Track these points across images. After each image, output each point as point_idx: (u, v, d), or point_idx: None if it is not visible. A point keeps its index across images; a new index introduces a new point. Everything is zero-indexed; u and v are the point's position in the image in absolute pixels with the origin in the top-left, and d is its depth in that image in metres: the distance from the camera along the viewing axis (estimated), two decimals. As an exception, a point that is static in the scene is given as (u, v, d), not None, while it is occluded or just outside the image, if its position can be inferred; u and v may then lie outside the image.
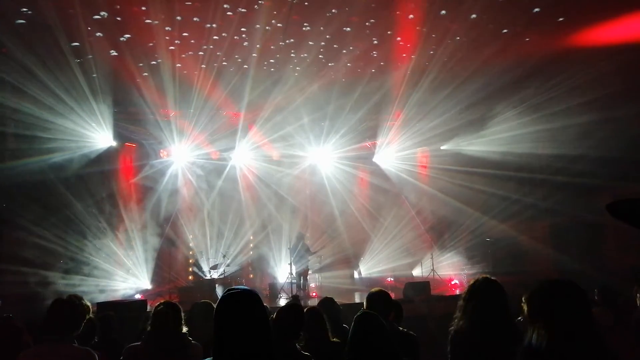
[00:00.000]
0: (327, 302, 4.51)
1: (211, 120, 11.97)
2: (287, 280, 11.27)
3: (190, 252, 12.61)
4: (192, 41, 8.59)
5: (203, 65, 9.42)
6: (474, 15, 7.84)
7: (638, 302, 4.41)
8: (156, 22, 7.85)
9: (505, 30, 8.27)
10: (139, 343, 3.35)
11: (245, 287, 2.02)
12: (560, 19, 8.01)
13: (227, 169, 13.31)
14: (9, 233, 9.44)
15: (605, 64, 8.65)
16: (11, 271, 9.03)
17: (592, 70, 8.90)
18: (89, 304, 3.27)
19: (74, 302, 3.14)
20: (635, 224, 1.64)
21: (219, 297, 2.00)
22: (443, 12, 7.75)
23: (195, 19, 7.84)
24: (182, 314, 3.47)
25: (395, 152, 13.87)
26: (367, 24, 8.16)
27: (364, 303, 3.68)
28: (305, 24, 8.11)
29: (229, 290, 2.01)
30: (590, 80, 9.11)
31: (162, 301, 3.52)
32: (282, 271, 12.43)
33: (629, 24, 7.89)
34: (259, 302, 1.97)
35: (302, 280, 11.72)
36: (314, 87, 10.49)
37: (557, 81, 9.65)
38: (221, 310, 1.93)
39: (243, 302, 1.94)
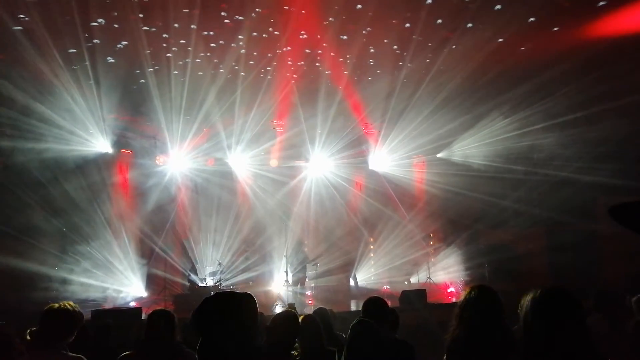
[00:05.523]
0: (320, 311, 4.52)
1: (210, 128, 11.96)
2: (283, 288, 11.21)
3: (186, 260, 12.53)
4: (189, 48, 8.61)
5: (200, 73, 9.44)
6: (470, 24, 7.90)
7: (635, 310, 4.40)
8: (153, 29, 7.87)
9: (501, 39, 8.33)
10: (132, 352, 3.32)
11: (236, 292, 2.04)
12: (555, 29, 8.08)
13: (224, 176, 13.27)
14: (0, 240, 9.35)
15: (602, 69, 8.72)
16: (5, 276, 8.95)
17: (587, 76, 8.96)
18: (81, 311, 3.24)
19: (67, 309, 3.11)
20: (636, 229, 1.58)
21: None
22: (439, 20, 7.80)
23: (192, 26, 7.86)
24: (176, 322, 3.44)
25: (392, 160, 13.89)
26: (363, 32, 8.21)
27: (360, 311, 3.67)
28: (302, 32, 8.14)
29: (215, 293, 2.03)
30: (585, 86, 9.16)
31: (156, 309, 3.49)
32: (279, 279, 12.37)
33: (624, 31, 7.97)
34: (240, 303, 1.98)
35: (298, 288, 11.67)
36: (310, 93, 10.51)
37: (553, 88, 9.71)
38: (201, 310, 1.96)
39: (221, 303, 1.96)
